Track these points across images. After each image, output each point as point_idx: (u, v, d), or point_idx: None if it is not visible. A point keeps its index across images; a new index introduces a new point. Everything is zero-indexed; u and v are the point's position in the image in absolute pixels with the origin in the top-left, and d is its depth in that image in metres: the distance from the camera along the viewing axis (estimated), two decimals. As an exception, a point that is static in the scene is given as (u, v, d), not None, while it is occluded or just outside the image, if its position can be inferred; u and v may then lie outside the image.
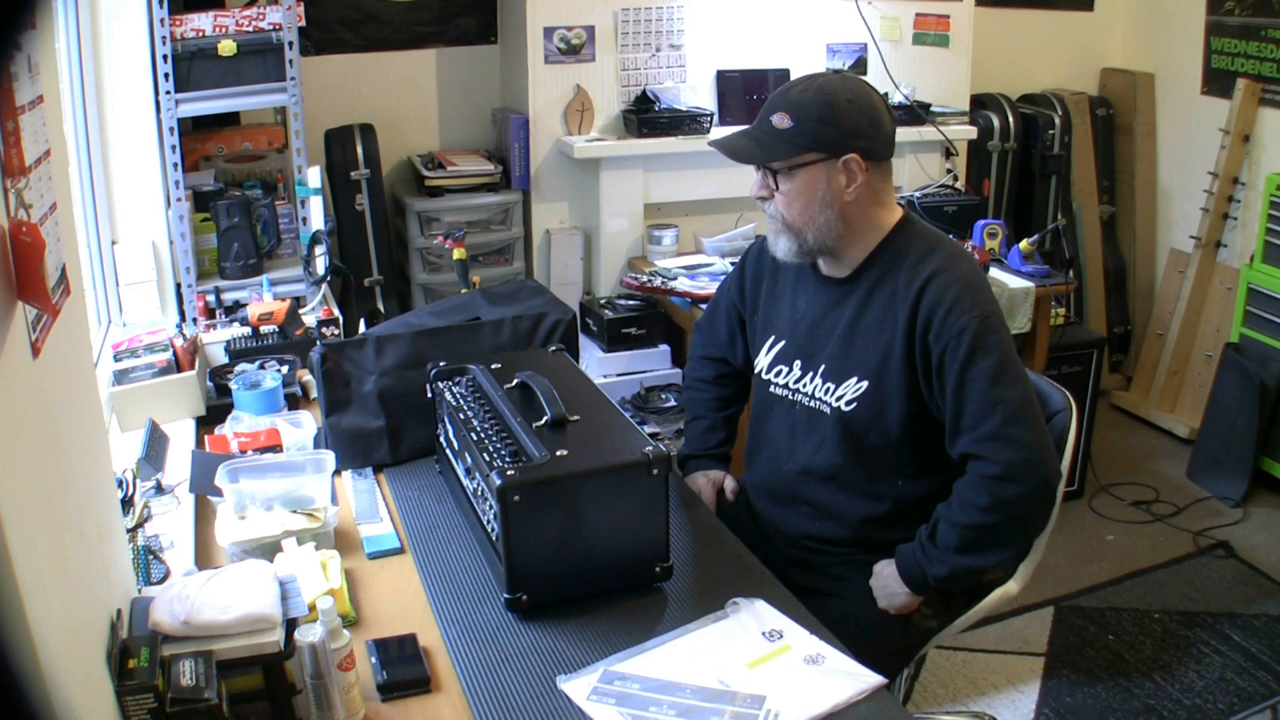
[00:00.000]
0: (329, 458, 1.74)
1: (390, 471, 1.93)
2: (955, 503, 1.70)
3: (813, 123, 1.69)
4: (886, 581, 1.78)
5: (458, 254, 2.74)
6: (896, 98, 3.63)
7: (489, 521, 1.56)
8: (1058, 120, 4.13)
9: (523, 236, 3.56)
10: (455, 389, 1.77)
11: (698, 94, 3.54)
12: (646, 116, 3.37)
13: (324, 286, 2.84)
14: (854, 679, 1.35)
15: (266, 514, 1.63)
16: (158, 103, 2.69)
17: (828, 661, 1.39)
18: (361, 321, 2.86)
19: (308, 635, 1.26)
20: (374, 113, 3.53)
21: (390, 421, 1.93)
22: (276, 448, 1.89)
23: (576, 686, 1.34)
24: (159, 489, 1.82)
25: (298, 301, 2.68)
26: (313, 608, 1.35)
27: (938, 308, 1.68)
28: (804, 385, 1.84)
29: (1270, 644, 2.79)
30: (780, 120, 1.71)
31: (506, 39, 3.66)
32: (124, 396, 2.09)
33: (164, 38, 2.64)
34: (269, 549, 1.58)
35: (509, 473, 1.43)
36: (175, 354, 2.16)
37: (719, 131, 3.43)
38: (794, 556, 1.89)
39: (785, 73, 3.57)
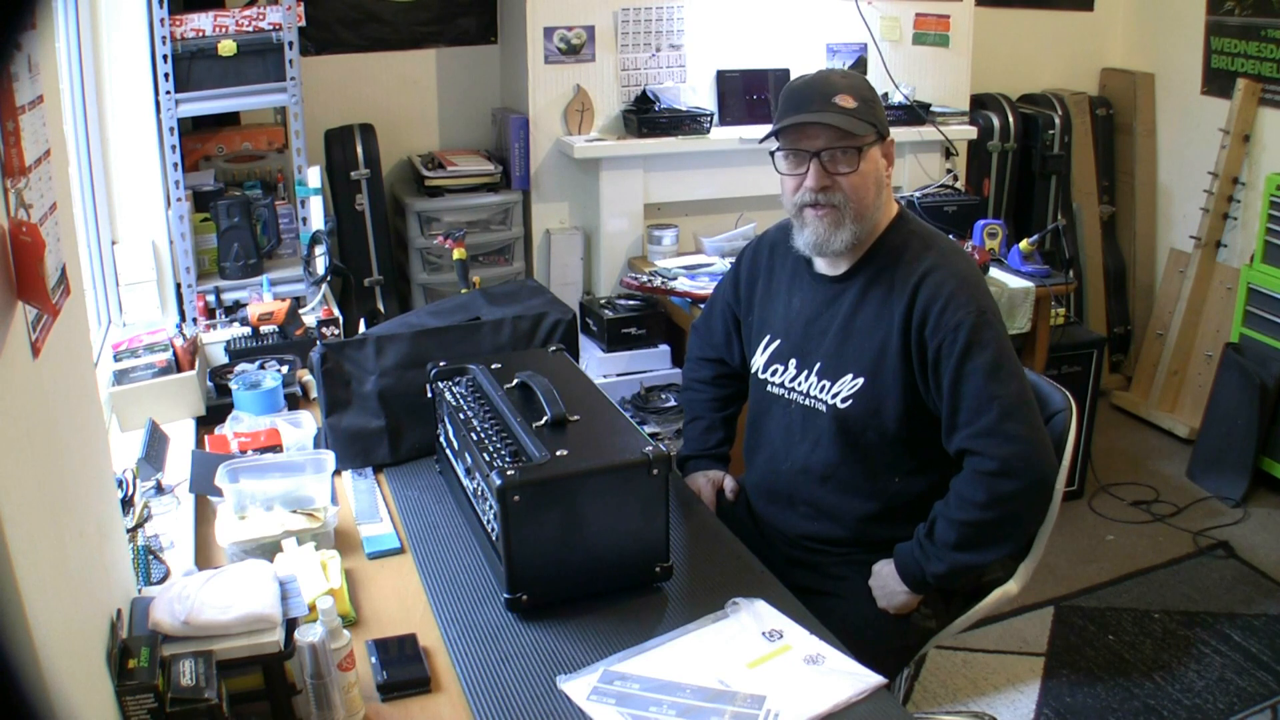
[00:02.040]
0: (329, 458, 1.74)
1: (390, 471, 1.93)
2: (952, 500, 1.71)
3: (871, 103, 1.71)
4: (885, 581, 1.78)
5: (458, 254, 2.75)
6: (896, 98, 3.63)
7: (489, 521, 1.56)
8: (1058, 120, 4.13)
9: (523, 236, 3.56)
10: (455, 389, 1.78)
11: (698, 94, 3.54)
12: (646, 116, 3.37)
13: (324, 286, 2.84)
14: (854, 679, 1.35)
15: (266, 514, 1.63)
16: (158, 103, 2.69)
17: (828, 661, 1.39)
18: (361, 321, 2.86)
19: (308, 635, 1.26)
20: (374, 113, 3.53)
21: (390, 421, 1.93)
22: (276, 448, 1.89)
23: (576, 686, 1.34)
24: (159, 489, 1.82)
25: (298, 301, 2.68)
26: (313, 608, 1.35)
27: (934, 303, 1.68)
28: (800, 384, 1.84)
29: (1270, 644, 2.79)
30: (844, 100, 1.69)
31: (506, 39, 3.66)
32: (124, 396, 2.09)
33: (164, 38, 2.64)
34: (269, 549, 1.58)
35: (509, 473, 1.43)
36: (175, 354, 2.16)
37: (719, 132, 3.43)
38: (793, 556, 1.89)
39: (785, 73, 3.57)
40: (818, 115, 1.70)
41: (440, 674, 1.39)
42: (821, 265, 1.83)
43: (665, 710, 1.29)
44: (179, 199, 2.75)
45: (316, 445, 1.92)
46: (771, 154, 1.79)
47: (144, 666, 1.16)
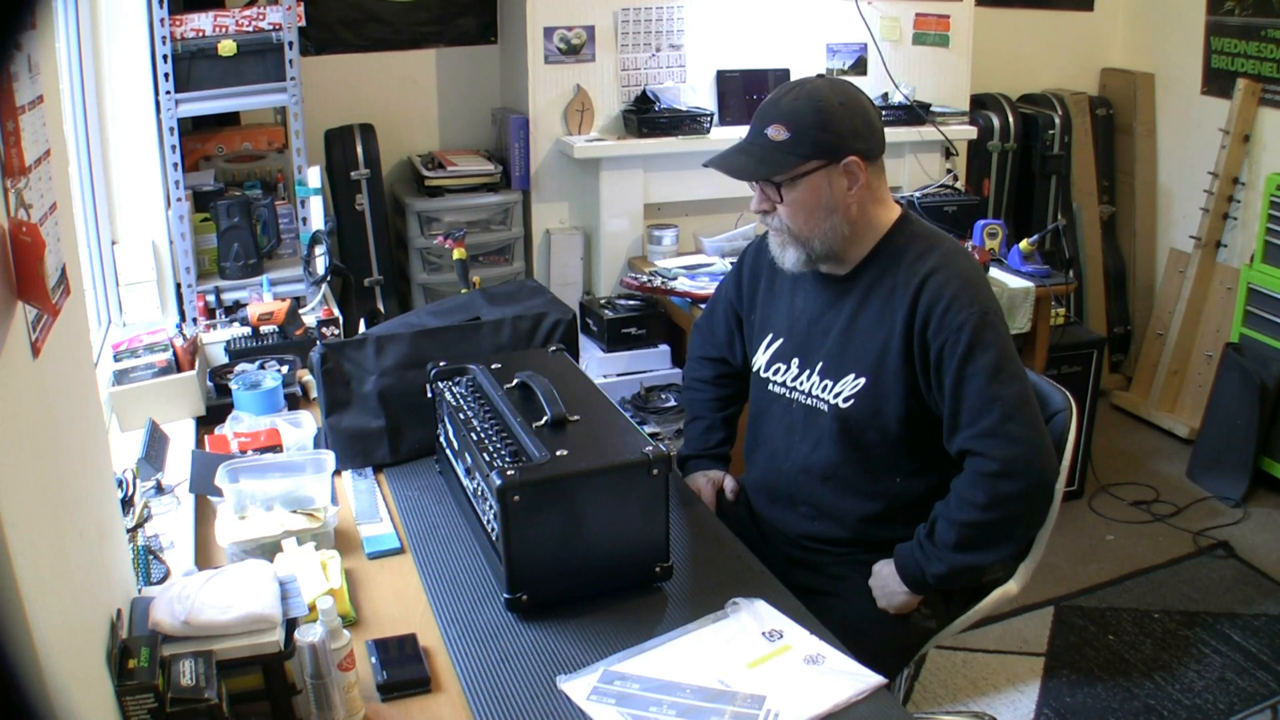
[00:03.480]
0: (329, 458, 1.74)
1: (390, 471, 1.93)
2: (953, 500, 1.71)
3: (810, 130, 1.69)
4: (886, 581, 1.78)
5: (458, 254, 2.75)
6: (896, 98, 3.63)
7: (489, 521, 1.56)
8: (1058, 120, 4.13)
9: (523, 236, 3.56)
10: (455, 389, 1.78)
11: (698, 94, 3.54)
12: (646, 116, 3.37)
13: (324, 286, 2.84)
14: (854, 679, 1.35)
15: (266, 514, 1.63)
16: (158, 103, 2.69)
17: (828, 661, 1.39)
18: (361, 321, 2.86)
19: (308, 635, 1.26)
20: (374, 113, 3.53)
21: (390, 421, 1.93)
22: (276, 448, 1.89)
23: (576, 686, 1.34)
24: (159, 489, 1.82)
25: (298, 301, 2.68)
26: (313, 608, 1.36)
27: (937, 304, 1.68)
28: (801, 383, 1.84)
29: (1270, 644, 2.79)
30: (776, 132, 1.70)
31: (506, 39, 3.66)
32: (124, 396, 2.09)
33: (164, 38, 2.64)
34: (269, 549, 1.58)
35: (509, 473, 1.43)
36: (175, 354, 2.16)
37: (719, 132, 3.43)
38: (793, 556, 1.89)
39: (785, 73, 3.57)
40: (730, 160, 1.75)
41: (440, 674, 1.39)
42: (825, 266, 1.83)
43: (665, 710, 1.29)
44: (179, 199, 2.75)
45: (316, 445, 1.92)
46: None
47: (144, 666, 1.16)
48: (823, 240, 1.74)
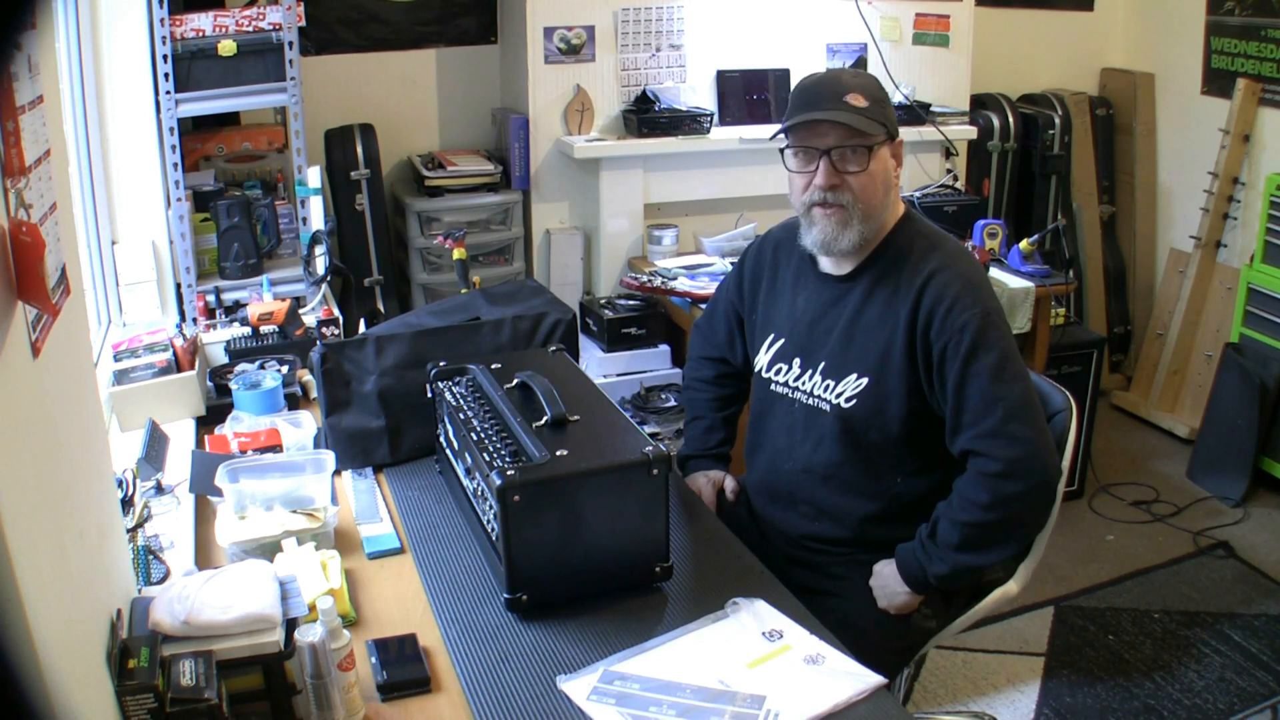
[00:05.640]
0: (329, 458, 1.74)
1: (390, 471, 1.93)
2: (955, 500, 1.71)
3: (881, 104, 1.71)
4: (887, 581, 1.78)
5: (458, 254, 2.75)
6: (896, 98, 3.63)
7: (489, 521, 1.56)
8: (1058, 120, 4.13)
9: (523, 236, 3.56)
10: (455, 389, 1.78)
11: (698, 94, 3.54)
12: (646, 116, 3.37)
13: (324, 286, 2.84)
14: (854, 679, 1.35)
15: (266, 514, 1.63)
16: (158, 103, 2.69)
17: (828, 661, 1.39)
18: (361, 321, 2.86)
19: (308, 635, 1.26)
20: (374, 113, 3.53)
21: (390, 421, 1.93)
22: (276, 448, 1.89)
23: (576, 686, 1.34)
24: (159, 489, 1.82)
25: (298, 301, 2.68)
26: (313, 608, 1.36)
27: (939, 304, 1.68)
28: (803, 383, 1.84)
29: (1270, 644, 2.79)
30: (856, 100, 1.69)
31: (506, 39, 3.66)
32: (124, 396, 2.09)
33: (164, 38, 2.64)
34: (269, 549, 1.58)
35: (509, 473, 1.43)
36: (175, 354, 2.16)
37: (719, 132, 3.43)
38: (794, 556, 1.89)
39: (785, 73, 3.57)
40: (829, 113, 1.69)
41: (440, 674, 1.39)
42: (827, 264, 1.83)
43: (665, 710, 1.29)
44: (179, 199, 2.75)
45: (316, 445, 1.92)
46: (781, 151, 1.79)
47: (144, 666, 1.16)
48: (877, 219, 1.74)
